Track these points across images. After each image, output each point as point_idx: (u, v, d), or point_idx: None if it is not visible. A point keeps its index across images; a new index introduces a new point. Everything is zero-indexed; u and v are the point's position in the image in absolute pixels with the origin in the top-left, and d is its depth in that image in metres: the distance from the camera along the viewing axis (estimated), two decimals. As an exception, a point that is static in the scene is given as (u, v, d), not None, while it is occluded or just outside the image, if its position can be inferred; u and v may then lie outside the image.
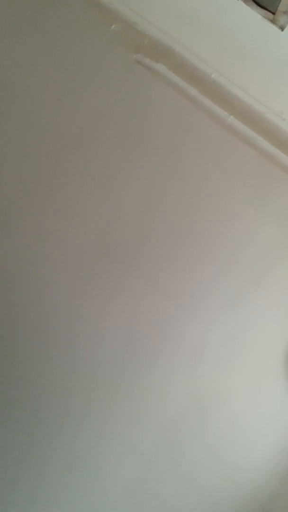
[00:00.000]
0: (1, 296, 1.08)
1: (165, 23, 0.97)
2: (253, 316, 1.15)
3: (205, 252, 1.10)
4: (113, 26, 0.98)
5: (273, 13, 0.85)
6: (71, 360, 1.12)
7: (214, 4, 0.90)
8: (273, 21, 0.86)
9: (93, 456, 1.17)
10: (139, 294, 1.11)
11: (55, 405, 1.13)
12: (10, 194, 1.04)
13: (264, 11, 0.85)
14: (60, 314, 1.10)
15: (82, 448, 1.16)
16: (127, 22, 0.98)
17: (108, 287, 1.10)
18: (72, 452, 1.16)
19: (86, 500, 1.19)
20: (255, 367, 1.18)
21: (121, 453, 1.18)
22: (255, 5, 0.85)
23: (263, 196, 1.08)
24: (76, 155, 1.03)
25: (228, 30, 0.92)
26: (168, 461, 1.20)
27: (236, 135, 1.03)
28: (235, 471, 1.22)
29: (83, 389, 1.13)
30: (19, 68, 0.99)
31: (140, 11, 0.97)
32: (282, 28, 0.87)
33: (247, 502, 1.23)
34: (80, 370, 1.12)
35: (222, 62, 0.97)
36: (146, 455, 1.19)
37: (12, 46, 0.98)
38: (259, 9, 0.85)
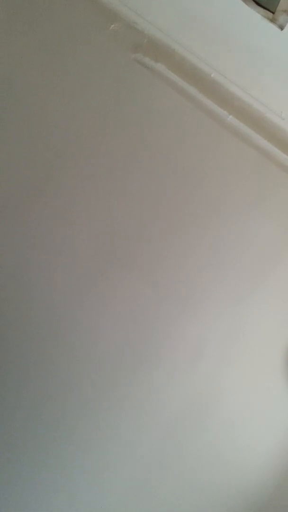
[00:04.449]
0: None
1: (164, 22, 0.97)
2: (253, 316, 1.15)
3: (205, 251, 1.10)
4: (113, 25, 0.98)
5: (273, 13, 0.85)
6: (70, 360, 1.12)
7: (213, 3, 0.90)
8: (272, 20, 0.86)
9: (92, 456, 1.17)
10: (138, 293, 1.10)
11: (54, 404, 1.13)
12: (6, 194, 1.04)
13: (263, 11, 0.85)
14: (58, 314, 1.10)
15: (81, 448, 1.16)
16: (126, 22, 0.98)
17: (106, 287, 1.10)
18: (70, 452, 1.16)
19: (85, 501, 1.19)
20: (255, 367, 1.18)
21: (120, 453, 1.18)
22: (254, 4, 0.85)
23: (263, 195, 1.08)
24: (74, 154, 1.03)
25: (227, 30, 0.92)
26: (168, 461, 1.20)
27: (236, 135, 1.03)
28: (235, 470, 1.22)
29: (82, 389, 1.13)
30: (18, 67, 0.99)
31: (139, 10, 0.97)
32: (281, 28, 0.87)
33: (248, 502, 1.23)
34: (79, 370, 1.12)
35: (222, 62, 0.97)
36: (146, 455, 1.19)
37: (11, 45, 0.98)
38: (259, 8, 0.85)
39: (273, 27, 0.87)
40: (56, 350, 1.11)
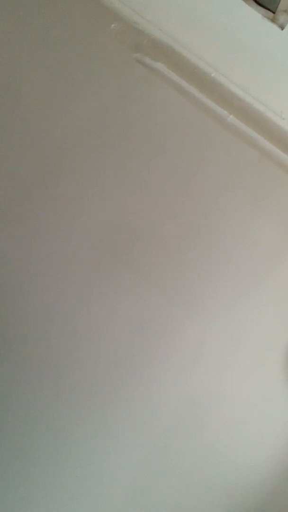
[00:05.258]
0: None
1: (165, 22, 0.97)
2: (252, 316, 1.15)
3: (204, 251, 1.10)
4: (113, 25, 0.98)
5: (273, 12, 0.85)
6: (68, 361, 1.12)
7: (214, 3, 0.90)
8: (273, 20, 0.86)
9: (90, 458, 1.17)
10: (137, 293, 1.10)
11: (52, 405, 1.13)
12: (7, 192, 1.03)
13: (264, 10, 0.85)
14: (56, 314, 1.09)
15: (79, 449, 1.16)
16: (126, 21, 0.98)
17: (105, 287, 1.09)
18: (69, 454, 1.16)
19: (84, 502, 1.19)
20: (255, 367, 1.18)
21: (119, 454, 1.18)
22: (255, 4, 0.85)
23: (263, 196, 1.08)
24: (75, 153, 1.03)
25: (228, 29, 0.92)
26: (167, 461, 1.20)
27: (236, 134, 1.03)
28: (235, 471, 1.22)
29: (80, 391, 1.13)
30: (18, 66, 0.99)
31: (140, 10, 0.97)
32: (282, 27, 0.87)
33: (247, 502, 1.23)
34: (77, 371, 1.12)
35: (222, 61, 0.97)
36: (145, 455, 1.19)
37: (11, 45, 0.98)
38: (259, 8, 0.85)
39: (273, 27, 0.87)
40: (54, 351, 1.11)
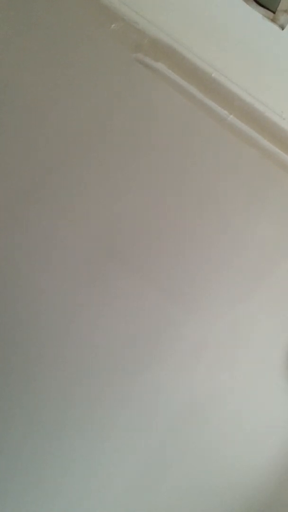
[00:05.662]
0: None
1: (165, 22, 0.97)
2: (253, 315, 1.15)
3: (205, 251, 1.10)
4: (113, 25, 0.98)
5: (274, 12, 0.85)
6: (68, 361, 1.11)
7: (214, 3, 0.90)
8: (273, 20, 0.86)
9: (92, 458, 1.16)
10: (137, 293, 1.10)
11: (53, 407, 1.13)
12: (6, 192, 1.03)
13: (264, 10, 0.86)
14: (57, 313, 1.09)
15: (81, 449, 1.16)
16: (127, 21, 0.98)
17: (105, 287, 1.09)
18: (70, 454, 1.16)
19: (86, 502, 1.18)
20: (256, 367, 1.17)
21: (121, 455, 1.17)
22: (255, 4, 0.85)
23: (263, 195, 1.08)
24: (74, 153, 1.03)
25: (228, 29, 0.92)
26: (168, 461, 1.20)
27: (236, 134, 1.03)
28: (235, 471, 1.22)
29: (81, 391, 1.13)
30: (18, 66, 0.99)
31: (140, 10, 0.97)
32: (282, 27, 0.87)
33: (248, 502, 1.23)
34: (77, 372, 1.12)
35: (222, 61, 0.97)
36: (145, 455, 1.18)
37: (11, 45, 0.98)
38: (260, 8, 0.86)
39: (274, 27, 0.88)
40: (53, 351, 1.11)
